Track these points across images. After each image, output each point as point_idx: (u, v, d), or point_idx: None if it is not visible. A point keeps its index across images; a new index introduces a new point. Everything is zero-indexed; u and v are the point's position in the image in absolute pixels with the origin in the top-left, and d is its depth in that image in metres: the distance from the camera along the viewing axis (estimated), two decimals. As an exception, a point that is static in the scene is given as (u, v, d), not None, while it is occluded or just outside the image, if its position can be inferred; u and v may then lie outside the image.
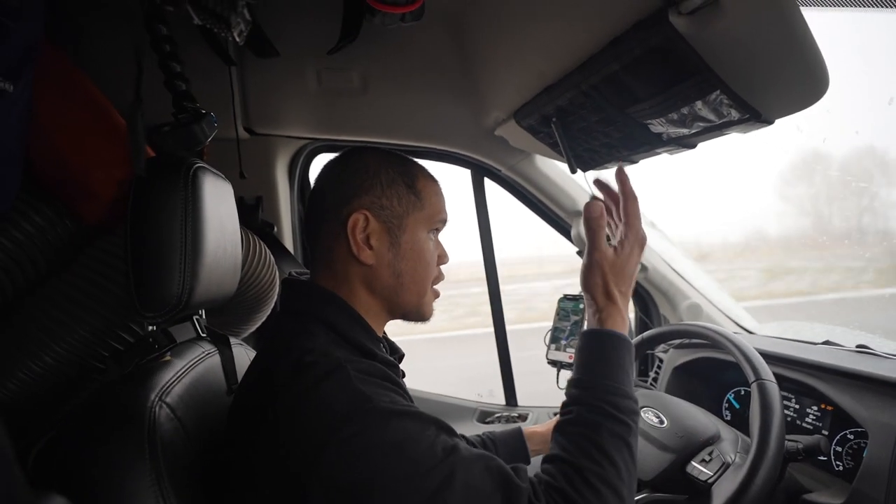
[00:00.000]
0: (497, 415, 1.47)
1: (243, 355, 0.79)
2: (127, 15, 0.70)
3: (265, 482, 0.48)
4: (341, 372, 0.52)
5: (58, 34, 0.69)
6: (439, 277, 0.71)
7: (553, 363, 1.25)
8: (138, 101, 0.58)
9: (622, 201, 0.69)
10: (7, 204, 0.60)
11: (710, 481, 0.69)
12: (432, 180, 0.69)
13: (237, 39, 0.56)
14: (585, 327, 0.66)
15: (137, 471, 0.46)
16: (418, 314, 0.69)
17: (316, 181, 0.69)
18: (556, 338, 1.27)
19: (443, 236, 0.73)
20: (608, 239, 0.68)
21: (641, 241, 0.68)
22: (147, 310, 0.57)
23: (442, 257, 0.71)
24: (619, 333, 0.63)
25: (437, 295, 0.71)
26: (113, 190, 0.69)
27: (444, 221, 0.70)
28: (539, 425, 1.00)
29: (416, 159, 0.70)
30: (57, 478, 0.44)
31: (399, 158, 0.68)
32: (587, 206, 0.66)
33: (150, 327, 0.65)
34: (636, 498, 0.81)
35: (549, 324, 1.27)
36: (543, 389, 1.32)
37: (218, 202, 0.66)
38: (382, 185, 0.64)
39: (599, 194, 0.77)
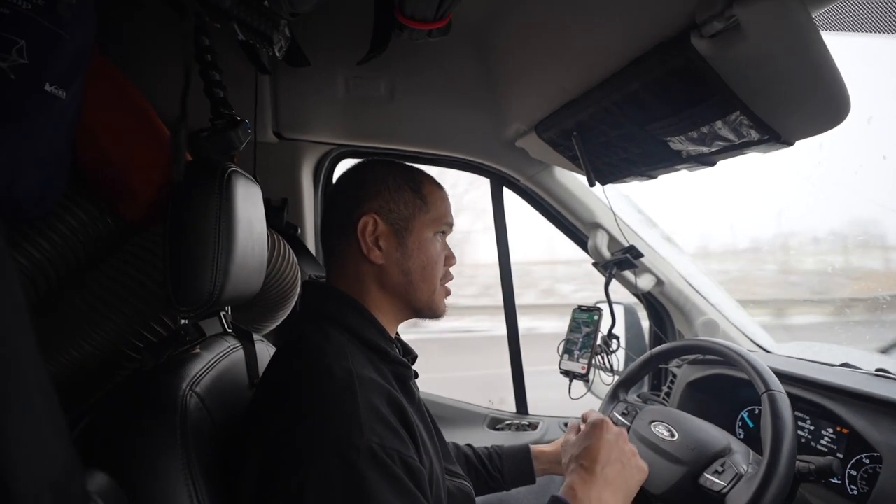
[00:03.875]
0: (507, 422, 1.47)
1: (264, 351, 0.82)
2: (171, 25, 0.75)
3: (254, 474, 0.52)
4: (349, 390, 0.54)
5: (104, 41, 0.73)
6: (448, 276, 0.75)
7: (565, 373, 1.26)
8: (184, 112, 0.62)
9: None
10: (52, 202, 0.65)
11: (723, 491, 0.69)
12: (437, 186, 0.74)
13: (277, 55, 0.60)
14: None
15: (170, 454, 0.49)
16: (431, 310, 0.72)
17: (331, 190, 0.74)
18: (568, 349, 1.28)
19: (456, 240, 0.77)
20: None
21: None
22: (182, 304, 0.61)
23: (449, 258, 0.75)
24: None
25: (448, 292, 0.75)
26: (152, 191, 0.73)
27: (449, 224, 0.74)
28: (547, 445, 1.00)
29: (423, 166, 0.75)
30: (97, 457, 0.47)
31: (405, 167, 0.73)
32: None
33: (182, 321, 0.68)
34: None
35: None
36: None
37: (248, 204, 0.70)
38: (390, 190, 0.69)
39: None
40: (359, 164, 0.74)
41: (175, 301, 0.61)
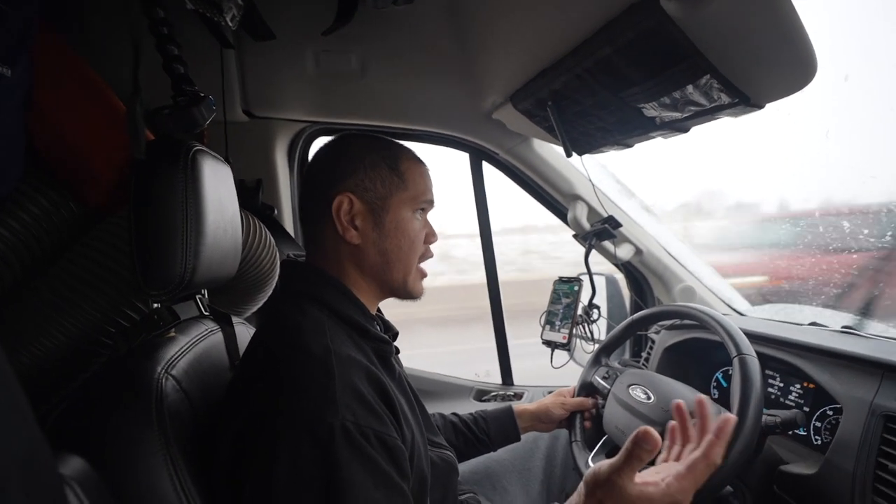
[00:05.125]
0: (493, 393, 1.51)
1: (245, 333, 0.82)
2: (124, 0, 0.71)
3: (229, 450, 0.52)
4: (325, 367, 0.54)
5: (56, 21, 0.69)
6: (426, 255, 0.74)
7: (547, 343, 1.28)
8: (136, 86, 0.59)
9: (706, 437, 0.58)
10: (8, 187, 0.62)
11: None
12: (417, 162, 0.72)
13: (230, 24, 0.57)
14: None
15: (146, 437, 0.49)
16: (406, 291, 0.71)
17: (306, 169, 0.72)
18: (550, 320, 1.30)
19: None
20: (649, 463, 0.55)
21: (698, 479, 0.55)
22: (152, 287, 0.60)
23: (430, 236, 0.73)
24: None
25: (423, 274, 0.74)
26: (114, 173, 0.70)
27: (430, 202, 0.72)
28: (529, 404, 1.04)
29: (403, 142, 0.72)
30: (72, 442, 0.47)
31: (383, 142, 0.71)
32: (644, 432, 0.52)
33: (155, 305, 0.67)
34: None
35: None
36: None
37: (217, 184, 0.68)
38: (366, 167, 0.67)
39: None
40: (334, 139, 0.72)
41: (145, 284, 0.60)
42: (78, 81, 0.71)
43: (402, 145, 0.72)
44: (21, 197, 0.68)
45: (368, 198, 0.67)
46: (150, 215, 0.59)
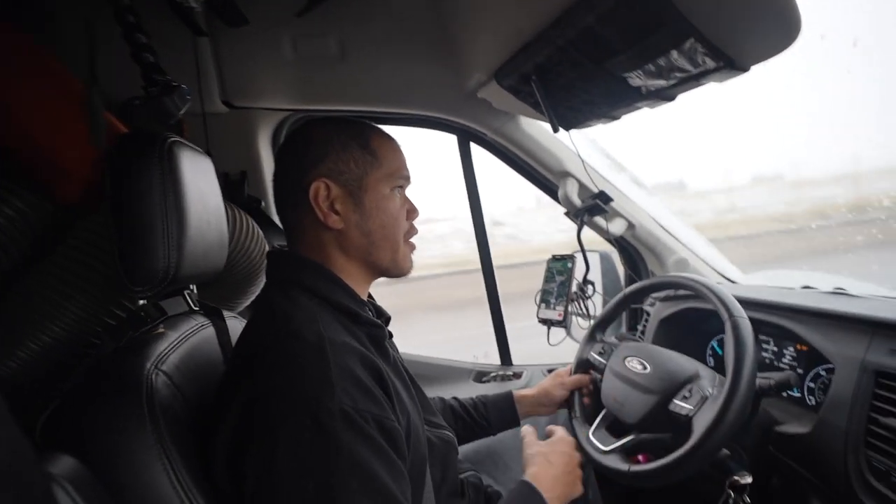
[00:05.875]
0: (493, 374, 1.52)
1: (237, 327, 0.81)
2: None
3: (227, 440, 0.52)
4: (320, 353, 0.54)
5: (19, 14, 0.67)
6: (412, 231, 0.73)
7: (543, 321, 1.29)
8: (93, 74, 0.57)
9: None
10: None
11: (690, 415, 0.73)
12: (387, 138, 0.71)
13: (195, 5, 0.55)
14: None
15: (139, 433, 0.49)
16: (396, 269, 0.71)
17: (275, 160, 0.71)
18: (545, 299, 1.30)
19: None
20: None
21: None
22: (135, 283, 0.59)
23: (411, 212, 0.72)
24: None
25: (412, 248, 0.73)
26: (87, 168, 0.68)
27: (406, 178, 0.71)
28: (529, 389, 1.05)
29: (390, 126, 0.71)
30: (63, 442, 0.47)
31: (349, 122, 0.70)
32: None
33: (141, 301, 0.66)
34: (624, 441, 0.85)
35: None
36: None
37: (196, 176, 0.67)
38: (337, 150, 0.65)
39: None
40: (299, 127, 0.70)
41: (128, 281, 0.59)
42: (45, 78, 0.68)
43: (369, 124, 0.70)
44: None
45: (344, 180, 0.65)
46: (127, 211, 0.58)
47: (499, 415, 1.00)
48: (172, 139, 0.63)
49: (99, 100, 0.58)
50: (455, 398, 1.03)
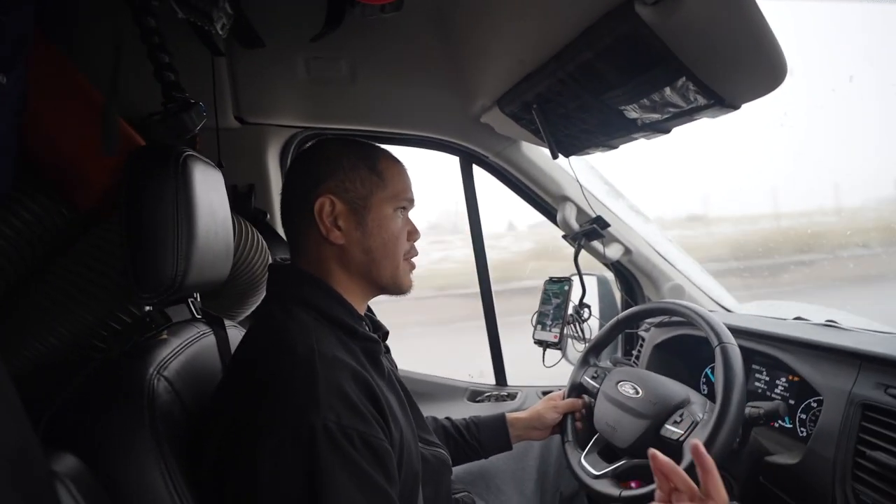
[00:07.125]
0: (487, 394, 1.52)
1: (237, 336, 0.82)
2: (117, 9, 0.73)
3: (214, 449, 0.53)
4: (309, 367, 0.55)
5: (50, 29, 0.71)
6: (412, 252, 0.75)
7: (539, 343, 1.30)
8: (115, 87, 0.61)
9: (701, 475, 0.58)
10: (1, 192, 0.63)
11: (680, 439, 0.74)
12: (394, 161, 0.73)
13: (220, 32, 0.59)
14: None
15: (138, 436, 0.50)
16: (396, 287, 0.73)
17: (286, 175, 0.73)
18: (541, 321, 1.32)
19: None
20: None
21: None
22: (143, 290, 0.61)
23: (412, 234, 0.75)
24: None
25: (412, 267, 0.75)
26: (105, 177, 0.72)
27: (410, 200, 0.74)
28: (521, 412, 1.05)
29: (394, 146, 0.74)
30: (66, 442, 0.48)
31: (361, 144, 0.73)
32: (652, 455, 0.59)
33: (147, 308, 0.68)
34: (615, 465, 0.86)
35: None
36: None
37: (207, 188, 0.69)
38: (346, 169, 0.68)
39: None
40: (312, 144, 0.74)
41: (137, 288, 0.61)
42: (71, 89, 0.72)
43: (378, 147, 0.74)
44: (13, 203, 0.69)
45: (349, 198, 0.68)
46: (140, 219, 0.61)
47: (491, 437, 1.00)
48: (187, 153, 0.67)
49: (115, 111, 0.61)
50: (448, 418, 1.03)
